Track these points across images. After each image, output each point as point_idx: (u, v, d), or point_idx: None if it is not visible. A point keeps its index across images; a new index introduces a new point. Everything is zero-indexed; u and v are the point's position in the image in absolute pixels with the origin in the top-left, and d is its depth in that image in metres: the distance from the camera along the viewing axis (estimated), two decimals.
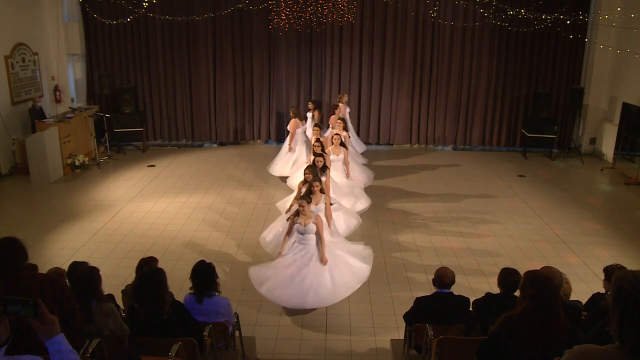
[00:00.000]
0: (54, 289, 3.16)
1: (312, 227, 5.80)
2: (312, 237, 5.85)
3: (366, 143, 13.81)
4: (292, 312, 5.93)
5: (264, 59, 13.35)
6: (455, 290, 4.52)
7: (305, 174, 7.00)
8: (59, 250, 7.43)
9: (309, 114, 11.63)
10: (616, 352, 1.95)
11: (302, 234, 5.82)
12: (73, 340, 2.60)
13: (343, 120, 10.06)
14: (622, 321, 1.90)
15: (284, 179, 10.19)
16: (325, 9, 12.07)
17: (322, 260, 5.81)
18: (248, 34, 13.17)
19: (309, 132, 10.62)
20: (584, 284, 6.43)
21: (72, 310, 3.22)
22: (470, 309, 4.44)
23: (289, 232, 6.01)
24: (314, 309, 5.89)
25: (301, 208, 5.81)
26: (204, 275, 4.42)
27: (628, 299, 1.90)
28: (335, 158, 8.61)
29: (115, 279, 6.17)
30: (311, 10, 12.07)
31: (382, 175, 11.23)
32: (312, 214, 5.88)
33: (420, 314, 4.41)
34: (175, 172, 11.30)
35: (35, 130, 10.52)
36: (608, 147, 12.48)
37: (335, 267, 5.90)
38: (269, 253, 6.79)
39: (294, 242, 5.93)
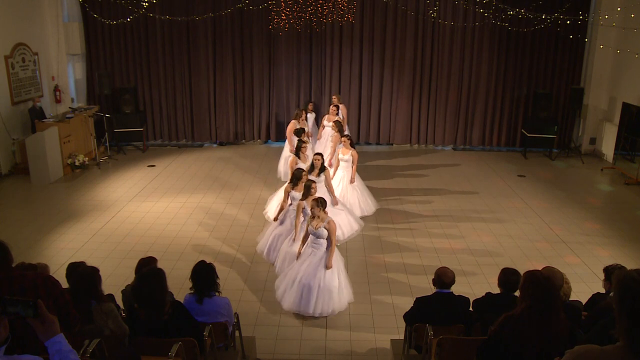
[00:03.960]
0: (47, 286, 3.17)
1: (324, 231, 5.75)
2: (323, 242, 5.80)
3: (366, 143, 13.84)
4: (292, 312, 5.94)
5: (264, 59, 13.34)
6: (455, 290, 4.52)
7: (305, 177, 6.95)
8: (59, 250, 7.43)
9: (310, 115, 11.65)
10: (618, 352, 1.95)
11: (315, 237, 5.84)
12: (72, 337, 2.60)
13: (338, 123, 9.87)
14: (631, 320, 1.89)
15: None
16: (325, 9, 12.07)
17: (327, 265, 5.75)
18: (248, 34, 13.16)
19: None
20: (584, 284, 6.44)
21: (65, 306, 3.22)
22: (470, 309, 4.44)
23: (304, 237, 6.05)
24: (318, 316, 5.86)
25: (312, 211, 5.81)
26: (204, 275, 4.42)
27: (636, 297, 1.89)
28: (343, 158, 8.58)
29: (115, 279, 6.16)
30: (311, 10, 12.06)
31: (382, 175, 11.23)
32: (325, 217, 5.79)
33: (421, 314, 4.41)
34: (175, 172, 11.30)
35: (35, 130, 10.52)
36: (608, 147, 12.48)
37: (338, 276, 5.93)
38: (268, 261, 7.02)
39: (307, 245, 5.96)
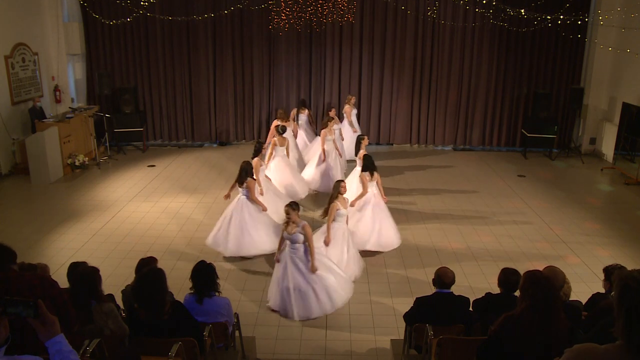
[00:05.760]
0: (44, 286, 3.17)
1: (299, 236, 5.65)
2: (300, 247, 5.73)
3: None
4: None
5: (264, 59, 13.34)
6: (455, 290, 4.52)
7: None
8: (59, 250, 7.43)
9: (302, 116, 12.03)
10: (617, 350, 1.95)
11: (291, 242, 5.75)
12: (72, 337, 2.60)
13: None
14: (630, 319, 1.89)
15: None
16: (325, 9, 12.07)
17: (312, 270, 5.70)
18: (248, 34, 13.16)
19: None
20: (584, 284, 6.43)
21: (64, 306, 3.23)
22: (470, 309, 4.44)
23: (280, 241, 5.97)
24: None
25: (287, 216, 5.70)
26: (204, 275, 4.43)
27: (635, 296, 1.89)
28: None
29: (115, 279, 6.16)
30: (311, 10, 12.06)
31: (382, 175, 11.17)
32: (299, 222, 5.68)
33: (421, 314, 4.41)
34: (175, 172, 11.30)
35: (35, 130, 10.52)
36: (608, 147, 12.48)
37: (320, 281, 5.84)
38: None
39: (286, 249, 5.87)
